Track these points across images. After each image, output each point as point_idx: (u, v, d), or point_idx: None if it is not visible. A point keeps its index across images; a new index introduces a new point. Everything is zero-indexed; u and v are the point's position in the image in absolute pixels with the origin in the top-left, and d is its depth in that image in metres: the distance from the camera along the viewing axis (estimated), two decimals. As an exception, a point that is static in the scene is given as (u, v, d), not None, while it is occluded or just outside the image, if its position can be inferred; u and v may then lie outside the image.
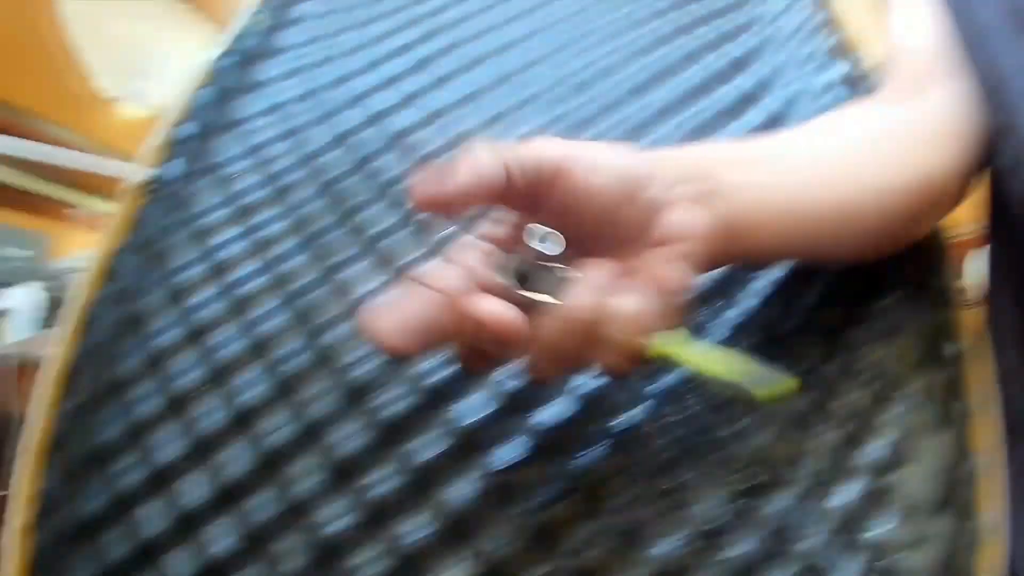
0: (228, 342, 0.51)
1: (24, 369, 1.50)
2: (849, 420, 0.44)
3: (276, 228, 0.57)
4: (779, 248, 0.44)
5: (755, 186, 0.41)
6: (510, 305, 0.33)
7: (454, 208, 0.35)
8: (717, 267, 0.41)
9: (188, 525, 0.45)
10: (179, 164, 0.68)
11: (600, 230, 0.36)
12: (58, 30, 2.02)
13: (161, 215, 0.65)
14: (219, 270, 0.56)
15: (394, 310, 0.35)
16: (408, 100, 0.63)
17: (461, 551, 0.40)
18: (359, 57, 0.69)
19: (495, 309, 0.33)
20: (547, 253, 0.35)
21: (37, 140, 2.00)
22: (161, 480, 0.47)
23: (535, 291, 0.35)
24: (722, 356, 0.36)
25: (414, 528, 0.41)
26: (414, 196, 0.34)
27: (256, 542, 0.43)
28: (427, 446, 0.43)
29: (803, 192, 0.43)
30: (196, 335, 0.52)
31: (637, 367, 0.36)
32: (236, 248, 0.57)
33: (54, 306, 1.75)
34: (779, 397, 0.34)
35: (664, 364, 0.38)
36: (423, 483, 0.43)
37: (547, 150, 0.36)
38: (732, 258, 0.42)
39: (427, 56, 0.67)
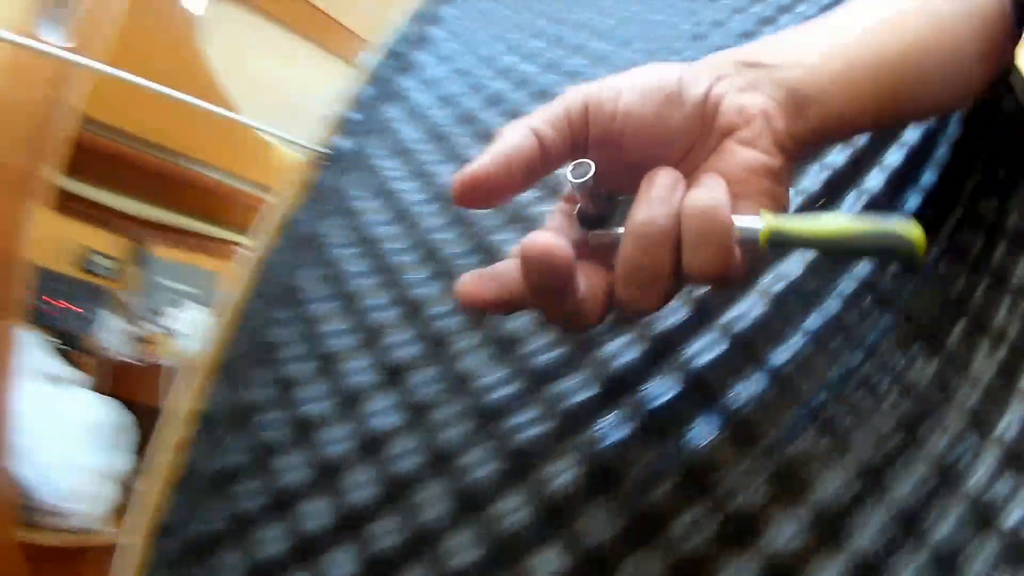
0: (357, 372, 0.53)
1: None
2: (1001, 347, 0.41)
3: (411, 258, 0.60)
4: (853, 113, 0.38)
5: (806, 56, 0.37)
6: (554, 233, 0.31)
7: (499, 191, 0.34)
8: (800, 154, 0.37)
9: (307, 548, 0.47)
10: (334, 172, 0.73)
11: (655, 150, 0.35)
12: (206, 74, 2.12)
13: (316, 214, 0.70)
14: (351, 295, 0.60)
15: (482, 272, 0.35)
16: (540, 95, 0.65)
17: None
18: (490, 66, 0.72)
19: (536, 237, 0.31)
20: (581, 181, 0.33)
21: (197, 180, 2.14)
22: (284, 503, 0.50)
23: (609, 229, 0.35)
24: (838, 220, 0.32)
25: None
26: (455, 193, 0.33)
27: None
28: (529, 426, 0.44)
29: (863, 45, 0.39)
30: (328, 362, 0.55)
31: (741, 267, 0.33)
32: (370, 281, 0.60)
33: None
34: (920, 241, 0.30)
35: (776, 248, 0.33)
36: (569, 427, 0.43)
37: (568, 96, 0.35)
38: (809, 136, 0.37)
39: (555, 58, 0.70)
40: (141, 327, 2.06)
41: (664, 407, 0.40)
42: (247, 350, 0.62)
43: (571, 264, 0.31)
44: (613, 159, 0.34)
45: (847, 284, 0.43)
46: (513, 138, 0.34)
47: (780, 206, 0.34)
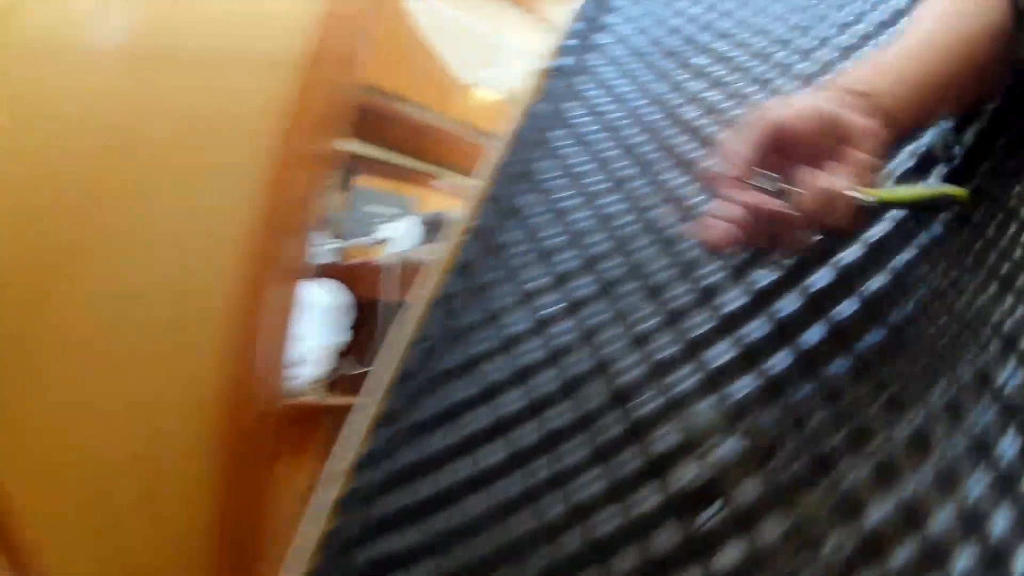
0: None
1: (404, 271, 1.94)
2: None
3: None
4: (924, 115, 0.65)
5: (891, 85, 0.62)
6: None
7: (729, 183, 0.58)
8: (891, 143, 0.62)
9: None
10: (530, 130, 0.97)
11: (810, 151, 0.59)
12: (411, 25, 2.42)
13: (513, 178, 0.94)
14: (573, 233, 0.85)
15: (712, 222, 0.58)
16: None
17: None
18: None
19: (777, 201, 0.57)
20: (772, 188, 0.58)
21: (403, 119, 2.45)
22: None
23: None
24: (914, 188, 0.59)
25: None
26: (704, 180, 0.58)
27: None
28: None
29: (925, 75, 0.64)
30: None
31: (860, 220, 0.58)
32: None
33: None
34: (967, 197, 0.58)
35: (880, 208, 0.61)
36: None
37: (760, 121, 0.58)
38: (892, 142, 0.62)
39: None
40: (351, 241, 2.42)
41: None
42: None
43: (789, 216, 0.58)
44: (781, 155, 0.59)
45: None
46: (739, 153, 0.59)
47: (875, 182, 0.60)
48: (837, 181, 0.57)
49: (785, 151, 0.59)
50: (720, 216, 0.59)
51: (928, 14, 0.69)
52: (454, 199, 2.53)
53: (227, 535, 0.99)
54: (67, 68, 0.80)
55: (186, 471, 0.99)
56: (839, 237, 0.65)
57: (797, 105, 0.60)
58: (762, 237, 0.59)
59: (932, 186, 0.60)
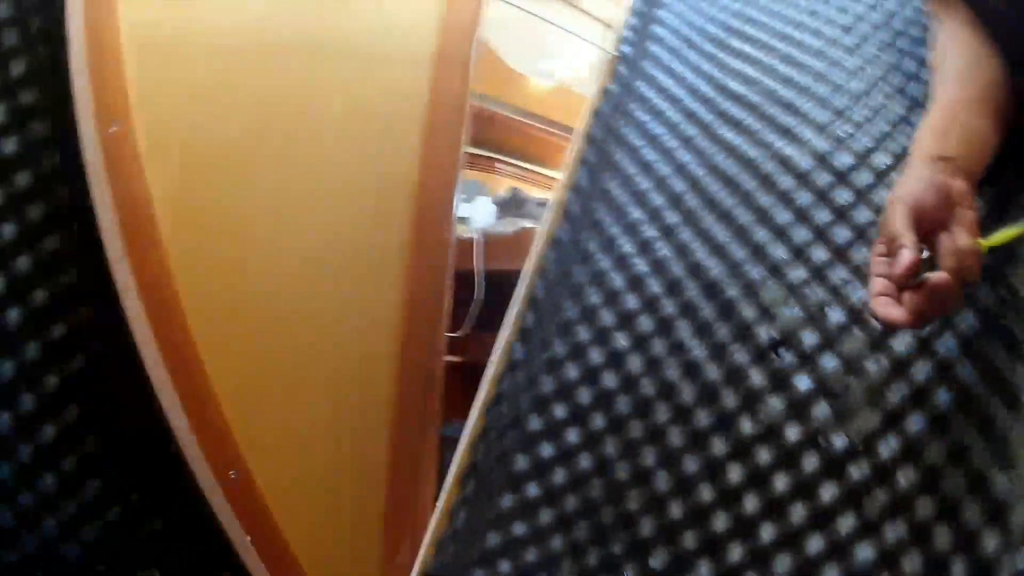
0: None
1: (488, 245, 2.14)
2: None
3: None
4: (988, 161, 0.79)
5: (969, 144, 0.77)
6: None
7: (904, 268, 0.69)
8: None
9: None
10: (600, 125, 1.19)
11: (933, 217, 0.72)
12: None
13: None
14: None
15: (885, 301, 0.70)
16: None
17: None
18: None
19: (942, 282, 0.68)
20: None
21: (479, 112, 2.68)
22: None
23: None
24: (1010, 229, 0.73)
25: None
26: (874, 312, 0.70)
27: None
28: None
29: (984, 128, 0.80)
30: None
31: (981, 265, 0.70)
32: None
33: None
34: None
35: (992, 251, 0.73)
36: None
37: (907, 204, 0.72)
38: (976, 183, 0.76)
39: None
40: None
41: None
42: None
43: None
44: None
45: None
46: (903, 257, 0.70)
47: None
48: (968, 239, 0.70)
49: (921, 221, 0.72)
50: (890, 295, 0.70)
51: (957, 65, 0.86)
52: (518, 182, 2.76)
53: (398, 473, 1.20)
54: (253, 64, 1.01)
55: (367, 410, 1.20)
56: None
57: (918, 185, 0.74)
58: (929, 308, 0.70)
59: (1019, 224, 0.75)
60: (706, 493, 0.88)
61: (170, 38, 0.89)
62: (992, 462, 0.71)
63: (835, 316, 0.88)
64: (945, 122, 0.81)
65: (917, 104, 0.95)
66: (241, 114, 1.01)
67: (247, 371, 1.02)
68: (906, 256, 0.69)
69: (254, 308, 1.05)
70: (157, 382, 0.90)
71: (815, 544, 0.80)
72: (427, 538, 1.03)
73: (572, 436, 0.98)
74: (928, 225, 0.72)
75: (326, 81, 1.09)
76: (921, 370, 0.80)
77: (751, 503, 0.85)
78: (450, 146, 1.23)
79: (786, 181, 0.99)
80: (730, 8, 1.25)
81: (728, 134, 1.09)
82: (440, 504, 1.05)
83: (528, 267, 1.16)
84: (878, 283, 0.72)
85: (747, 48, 1.17)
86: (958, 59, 0.86)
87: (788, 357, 0.89)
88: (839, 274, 0.90)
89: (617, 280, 1.05)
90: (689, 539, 0.87)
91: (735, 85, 1.13)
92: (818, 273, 0.91)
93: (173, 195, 0.94)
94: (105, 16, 0.84)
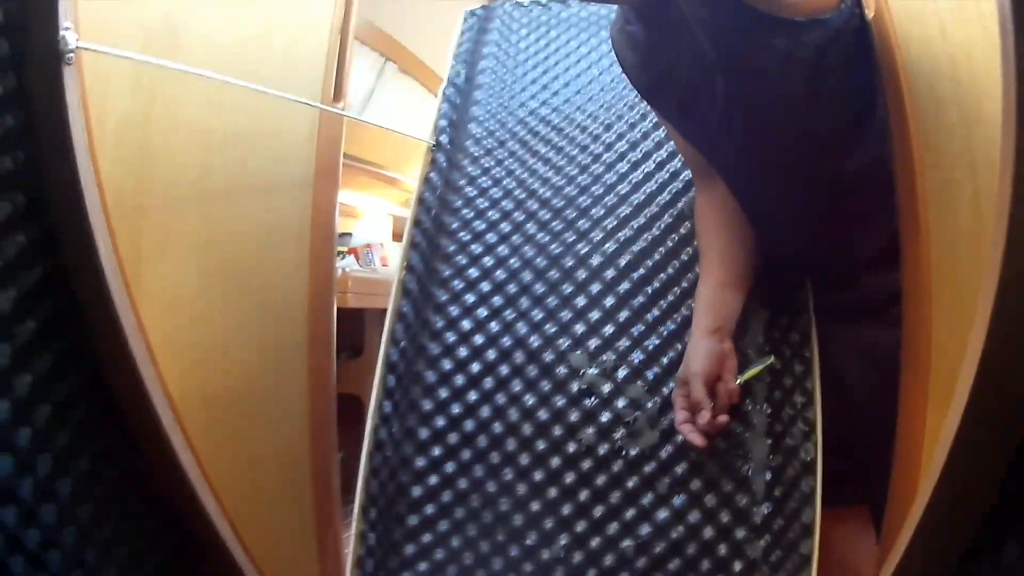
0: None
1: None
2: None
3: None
4: (735, 321, 1.25)
5: (729, 309, 1.24)
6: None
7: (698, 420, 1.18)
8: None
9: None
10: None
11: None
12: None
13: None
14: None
15: (688, 428, 1.18)
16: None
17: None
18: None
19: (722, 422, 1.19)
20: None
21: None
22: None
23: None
24: (753, 369, 1.23)
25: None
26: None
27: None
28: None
29: (742, 294, 1.26)
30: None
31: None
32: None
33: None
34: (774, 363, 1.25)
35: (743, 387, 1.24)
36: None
37: (701, 374, 1.19)
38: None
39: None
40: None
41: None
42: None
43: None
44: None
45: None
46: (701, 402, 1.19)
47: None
48: (733, 384, 1.19)
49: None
50: (691, 423, 1.18)
51: (718, 248, 1.27)
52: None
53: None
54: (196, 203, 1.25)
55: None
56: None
57: (709, 356, 1.19)
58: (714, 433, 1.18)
59: (762, 362, 1.25)
60: (552, 492, 1.32)
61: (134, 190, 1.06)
62: (736, 455, 1.23)
63: (622, 373, 1.34)
64: (714, 301, 1.25)
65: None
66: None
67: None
68: (706, 416, 1.17)
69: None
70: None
71: (630, 513, 1.27)
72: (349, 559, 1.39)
73: (449, 468, 1.37)
74: (712, 377, 1.20)
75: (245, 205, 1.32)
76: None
77: (583, 495, 1.30)
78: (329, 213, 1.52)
79: (583, 274, 1.43)
80: (538, 113, 1.64)
81: (538, 234, 1.49)
82: (352, 529, 1.41)
83: (384, 337, 1.51)
84: (682, 415, 1.20)
85: (552, 156, 1.58)
86: (718, 239, 1.28)
87: (593, 401, 1.34)
88: (623, 343, 1.36)
89: (462, 350, 1.44)
90: (548, 523, 1.30)
91: (543, 190, 1.53)
92: (609, 344, 1.37)
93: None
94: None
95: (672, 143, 1.46)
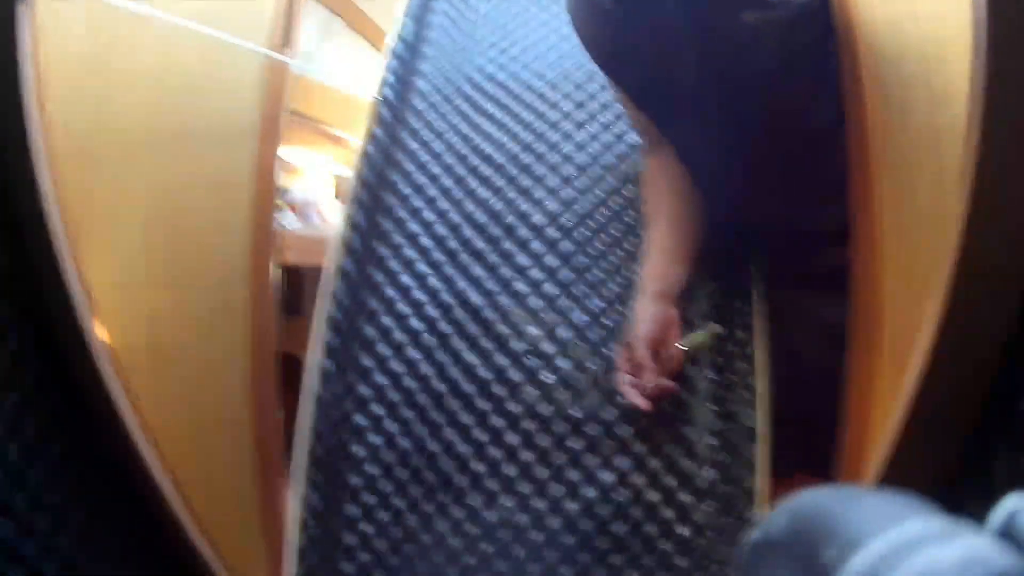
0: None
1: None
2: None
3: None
4: (681, 287, 1.27)
5: (677, 274, 1.26)
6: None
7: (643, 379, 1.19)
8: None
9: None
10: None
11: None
12: None
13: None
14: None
15: (632, 392, 1.18)
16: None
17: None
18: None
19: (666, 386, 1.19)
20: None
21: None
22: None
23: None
24: (697, 335, 1.24)
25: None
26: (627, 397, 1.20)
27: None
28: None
29: (688, 251, 1.28)
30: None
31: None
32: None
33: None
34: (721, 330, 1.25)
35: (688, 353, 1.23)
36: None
37: (646, 336, 1.20)
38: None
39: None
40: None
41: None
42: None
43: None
44: None
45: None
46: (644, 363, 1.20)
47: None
48: (676, 349, 1.19)
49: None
50: (635, 386, 1.18)
51: (666, 214, 1.28)
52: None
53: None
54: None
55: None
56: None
57: (655, 320, 1.20)
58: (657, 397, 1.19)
59: (706, 329, 1.26)
60: (495, 452, 1.32)
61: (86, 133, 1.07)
62: (680, 420, 1.25)
63: (564, 333, 1.35)
64: (660, 267, 1.27)
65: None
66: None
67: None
68: (650, 379, 1.18)
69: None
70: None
71: (573, 474, 1.28)
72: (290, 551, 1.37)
73: (390, 426, 1.36)
74: (657, 342, 1.20)
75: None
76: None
77: (526, 455, 1.30)
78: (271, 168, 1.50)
79: (523, 231, 1.42)
80: (485, 70, 1.62)
81: (479, 189, 1.48)
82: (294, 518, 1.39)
83: (324, 293, 1.49)
84: (625, 376, 1.20)
85: (497, 113, 1.55)
86: (665, 205, 1.29)
87: (535, 361, 1.35)
88: (564, 303, 1.36)
89: (402, 306, 1.43)
90: (492, 485, 1.31)
91: (485, 146, 1.52)
92: (551, 302, 1.37)
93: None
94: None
95: (619, 106, 1.46)
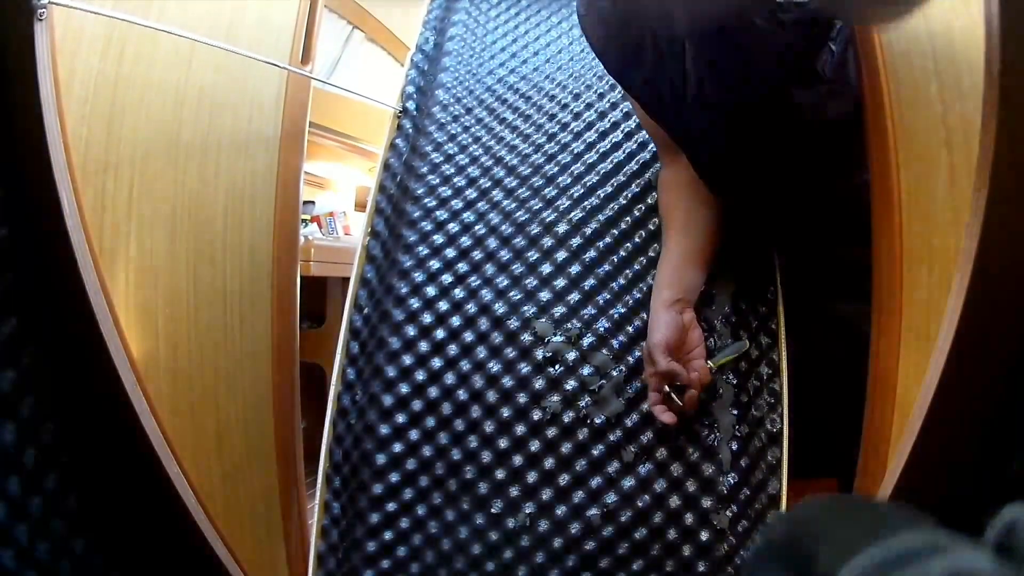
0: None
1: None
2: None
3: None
4: (698, 294, 1.27)
5: (692, 281, 1.25)
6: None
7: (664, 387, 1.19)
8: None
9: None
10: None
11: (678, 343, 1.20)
12: None
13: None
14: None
15: (661, 409, 1.19)
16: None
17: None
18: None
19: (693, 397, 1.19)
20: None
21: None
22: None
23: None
24: (725, 354, 1.24)
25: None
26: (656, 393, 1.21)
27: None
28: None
29: (704, 262, 1.26)
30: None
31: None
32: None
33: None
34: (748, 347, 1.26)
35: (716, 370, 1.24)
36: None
37: (662, 344, 1.17)
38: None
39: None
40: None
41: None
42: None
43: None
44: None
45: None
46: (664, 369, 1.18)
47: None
48: (703, 365, 1.17)
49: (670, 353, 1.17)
50: (663, 404, 1.18)
51: (680, 218, 1.27)
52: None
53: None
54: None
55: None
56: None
57: (669, 326, 1.18)
58: (687, 411, 1.19)
59: (734, 346, 1.26)
60: (517, 459, 1.32)
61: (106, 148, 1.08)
62: (702, 425, 1.24)
63: (587, 341, 1.34)
64: (675, 274, 1.25)
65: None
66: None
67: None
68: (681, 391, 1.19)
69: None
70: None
71: (596, 481, 1.27)
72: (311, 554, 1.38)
73: (413, 435, 1.37)
74: (675, 348, 1.18)
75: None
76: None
77: (548, 462, 1.30)
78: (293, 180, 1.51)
79: (548, 242, 1.42)
80: (506, 81, 1.63)
81: (504, 201, 1.49)
82: (317, 498, 1.40)
83: (348, 302, 1.50)
84: (654, 396, 1.20)
85: (519, 123, 1.57)
86: (681, 212, 1.28)
87: (558, 369, 1.34)
88: (588, 311, 1.36)
89: (427, 317, 1.43)
90: (513, 491, 1.30)
91: (509, 157, 1.52)
92: (574, 311, 1.36)
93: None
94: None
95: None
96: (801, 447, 1.21)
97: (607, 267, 1.40)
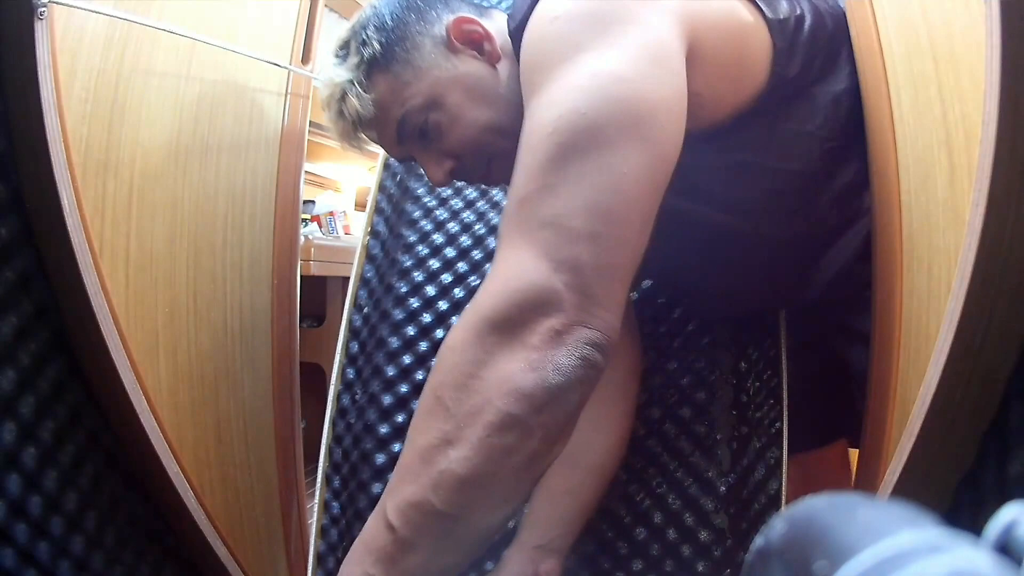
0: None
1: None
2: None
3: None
4: (573, 537, 1.09)
5: (559, 530, 1.06)
6: None
7: None
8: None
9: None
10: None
11: None
12: None
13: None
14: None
15: None
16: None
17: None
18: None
19: None
20: None
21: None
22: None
23: None
24: None
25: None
26: None
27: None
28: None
29: (575, 512, 1.08)
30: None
31: None
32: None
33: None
34: None
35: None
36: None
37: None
38: (564, 554, 1.06)
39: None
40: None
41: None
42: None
43: None
44: None
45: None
46: None
47: None
48: None
49: None
50: None
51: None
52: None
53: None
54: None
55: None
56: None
57: None
58: None
59: None
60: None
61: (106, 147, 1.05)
62: (701, 425, 1.24)
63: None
64: (542, 513, 1.05)
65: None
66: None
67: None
68: None
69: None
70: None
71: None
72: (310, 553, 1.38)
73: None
74: None
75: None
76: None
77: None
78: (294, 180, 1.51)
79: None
80: None
81: (504, 200, 1.48)
82: (316, 497, 1.40)
83: (347, 301, 1.50)
84: None
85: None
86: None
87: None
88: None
89: (427, 316, 1.43)
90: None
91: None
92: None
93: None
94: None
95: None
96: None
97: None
